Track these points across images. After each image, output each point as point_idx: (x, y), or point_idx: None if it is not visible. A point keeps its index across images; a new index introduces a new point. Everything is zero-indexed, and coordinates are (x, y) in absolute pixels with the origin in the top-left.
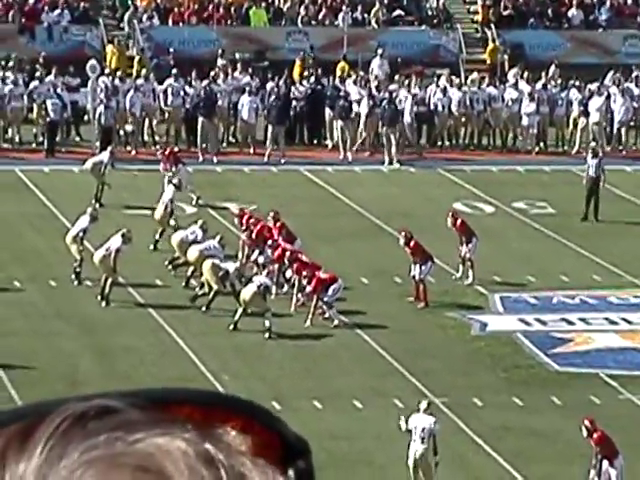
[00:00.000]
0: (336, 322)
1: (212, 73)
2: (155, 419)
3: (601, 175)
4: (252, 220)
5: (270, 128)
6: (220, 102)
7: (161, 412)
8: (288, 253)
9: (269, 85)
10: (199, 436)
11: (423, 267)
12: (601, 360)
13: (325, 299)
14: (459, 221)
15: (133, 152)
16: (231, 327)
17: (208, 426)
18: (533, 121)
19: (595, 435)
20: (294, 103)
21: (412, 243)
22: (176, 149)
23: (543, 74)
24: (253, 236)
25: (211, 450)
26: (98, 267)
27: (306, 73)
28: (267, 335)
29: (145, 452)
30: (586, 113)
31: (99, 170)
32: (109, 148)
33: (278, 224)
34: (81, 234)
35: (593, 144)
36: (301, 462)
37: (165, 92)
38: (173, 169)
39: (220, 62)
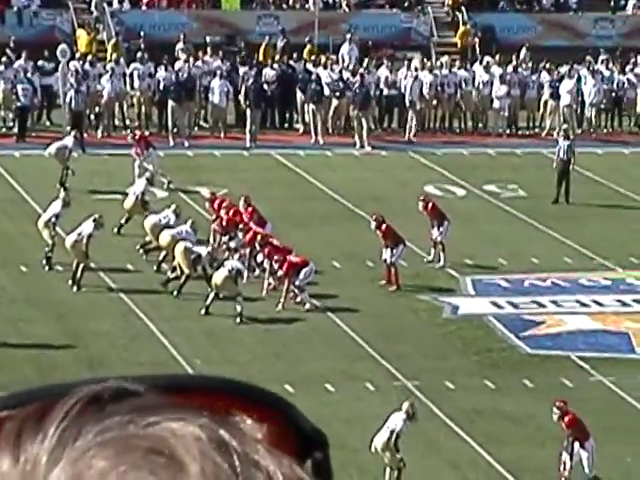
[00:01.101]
0: (308, 306)
1: (183, 57)
2: (170, 404)
3: (572, 157)
4: (224, 204)
5: (249, 112)
6: (192, 85)
7: (177, 398)
8: (259, 237)
9: (242, 70)
10: (214, 422)
11: (394, 250)
12: (572, 342)
13: (297, 283)
14: (430, 205)
15: (102, 135)
16: (202, 311)
17: (224, 413)
18: (504, 104)
19: (566, 418)
20: (265, 87)
21: (384, 227)
22: (147, 133)
23: (514, 57)
24: (224, 220)
25: (225, 436)
26: (69, 252)
27: (277, 57)
28: (238, 319)
29: (158, 436)
30: (557, 96)
31: (63, 155)
32: (72, 133)
33: (249, 208)
34: (53, 219)
35: (565, 126)
36: (318, 454)
37: (131, 76)
38: (144, 152)
39: (179, 46)
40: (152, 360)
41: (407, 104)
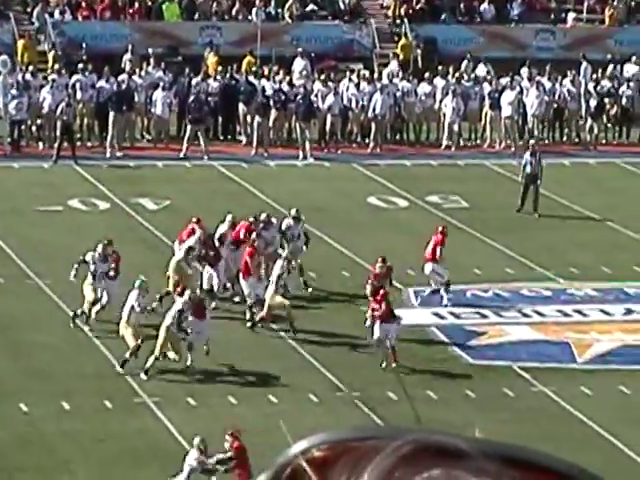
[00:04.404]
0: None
1: (127, 68)
2: (499, 473)
3: (538, 172)
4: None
5: (189, 127)
6: (136, 97)
7: (506, 468)
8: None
9: (182, 81)
10: None
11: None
12: (514, 353)
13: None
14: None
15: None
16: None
17: None
18: (455, 117)
19: (235, 444)
20: (209, 98)
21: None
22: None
23: (452, 68)
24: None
25: None
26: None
27: (220, 68)
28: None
29: None
30: (498, 107)
31: None
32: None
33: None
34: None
35: (532, 142)
36: None
37: (74, 87)
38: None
39: (127, 57)
40: (96, 372)
41: (370, 116)
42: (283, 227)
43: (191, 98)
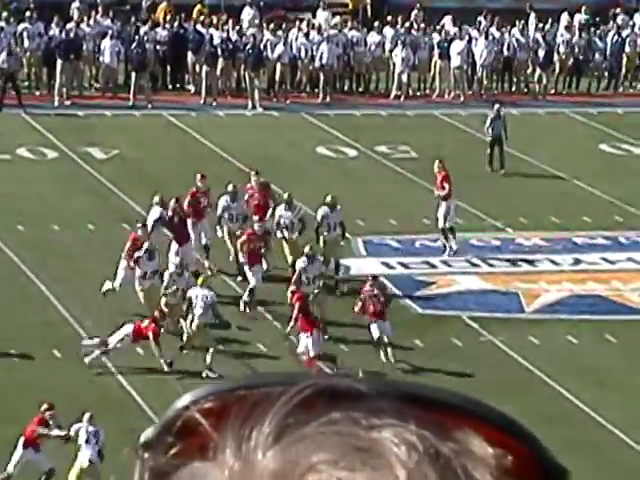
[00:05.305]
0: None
1: (75, 16)
2: (397, 411)
3: (503, 135)
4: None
5: (133, 75)
6: (84, 46)
7: (406, 406)
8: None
9: (128, 30)
10: (437, 435)
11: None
12: (463, 302)
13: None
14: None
15: None
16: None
17: (451, 428)
18: (404, 67)
19: None
20: (157, 47)
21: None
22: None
23: (400, 18)
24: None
25: (444, 450)
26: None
27: (168, 17)
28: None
29: (376, 439)
30: (447, 57)
31: None
32: None
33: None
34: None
35: (497, 105)
36: None
37: (21, 35)
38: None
39: (75, 5)
40: (43, 321)
41: (318, 66)
42: (318, 217)
43: (132, 45)
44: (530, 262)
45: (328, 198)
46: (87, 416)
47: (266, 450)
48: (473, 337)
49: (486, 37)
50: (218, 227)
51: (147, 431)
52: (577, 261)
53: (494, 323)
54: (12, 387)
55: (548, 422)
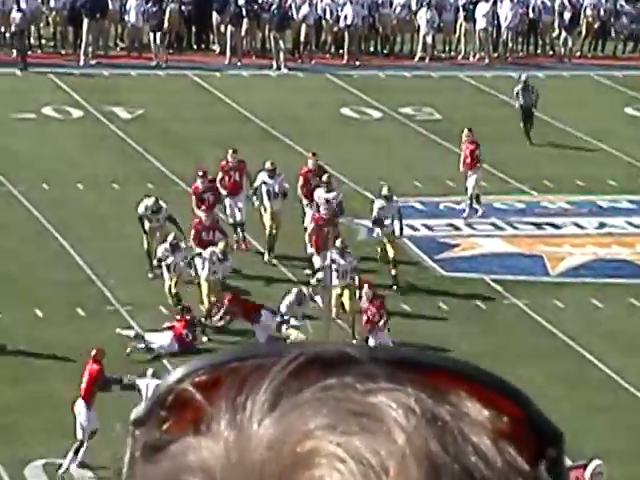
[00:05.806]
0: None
1: None
2: (392, 375)
3: (532, 103)
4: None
5: (151, 35)
6: (110, 5)
7: (400, 371)
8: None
9: None
10: (432, 398)
11: None
12: (486, 265)
13: None
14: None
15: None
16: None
17: (445, 391)
18: (429, 29)
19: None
20: (182, 7)
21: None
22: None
23: None
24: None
25: (440, 412)
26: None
27: None
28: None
29: (373, 403)
30: (472, 19)
31: None
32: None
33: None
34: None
35: (524, 76)
36: (552, 450)
37: None
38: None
39: None
40: (68, 280)
41: (343, 26)
42: (374, 211)
43: (148, 5)
44: (555, 225)
45: (384, 190)
46: (150, 371)
47: (262, 419)
48: (497, 300)
49: None
50: (255, 198)
51: (138, 408)
52: (602, 225)
53: (518, 286)
54: (37, 345)
55: (571, 386)
